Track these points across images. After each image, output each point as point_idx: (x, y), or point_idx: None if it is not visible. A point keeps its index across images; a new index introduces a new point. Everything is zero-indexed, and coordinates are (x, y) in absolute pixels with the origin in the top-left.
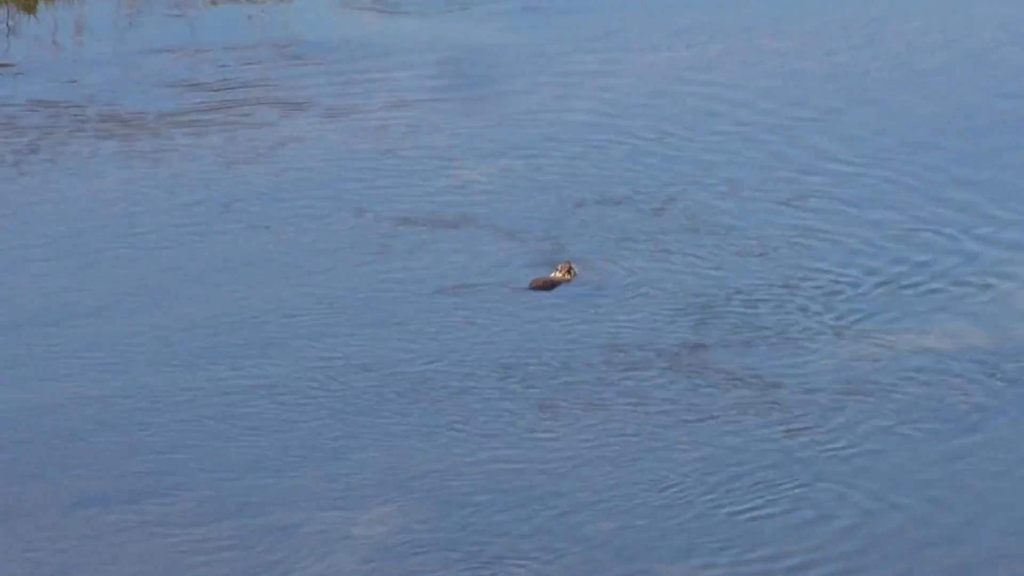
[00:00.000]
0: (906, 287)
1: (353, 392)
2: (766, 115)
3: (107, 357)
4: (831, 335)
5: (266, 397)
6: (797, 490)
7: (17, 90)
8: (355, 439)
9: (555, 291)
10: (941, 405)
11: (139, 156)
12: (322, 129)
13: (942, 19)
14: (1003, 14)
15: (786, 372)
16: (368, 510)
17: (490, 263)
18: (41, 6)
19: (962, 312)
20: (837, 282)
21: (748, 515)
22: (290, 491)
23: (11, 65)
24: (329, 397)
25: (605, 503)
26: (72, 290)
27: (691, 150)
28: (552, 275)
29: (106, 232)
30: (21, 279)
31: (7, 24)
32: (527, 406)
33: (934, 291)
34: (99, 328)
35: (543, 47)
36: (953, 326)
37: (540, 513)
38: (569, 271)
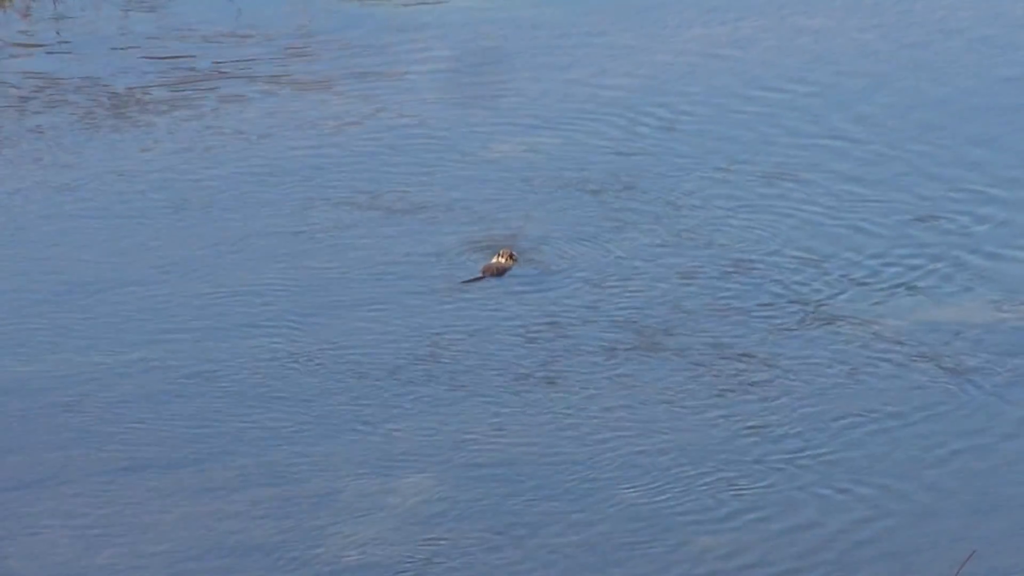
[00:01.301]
0: (910, 269)
1: (390, 362)
2: (795, 94)
3: (149, 326)
4: (822, 317)
5: (305, 366)
6: (823, 457)
7: (59, 66)
8: (392, 408)
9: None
10: (938, 389)
11: (181, 127)
12: (355, 104)
13: None
14: None
15: (803, 352)
16: (404, 478)
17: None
18: None
19: (963, 295)
20: (840, 264)
21: (778, 487)
22: (327, 459)
23: (41, 45)
24: (367, 367)
25: (640, 473)
26: (115, 260)
27: (715, 128)
28: (498, 261)
29: (149, 202)
30: (65, 249)
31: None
32: (560, 377)
33: (932, 275)
34: (141, 298)
35: (577, 23)
36: (957, 307)
37: (575, 482)
38: (511, 256)
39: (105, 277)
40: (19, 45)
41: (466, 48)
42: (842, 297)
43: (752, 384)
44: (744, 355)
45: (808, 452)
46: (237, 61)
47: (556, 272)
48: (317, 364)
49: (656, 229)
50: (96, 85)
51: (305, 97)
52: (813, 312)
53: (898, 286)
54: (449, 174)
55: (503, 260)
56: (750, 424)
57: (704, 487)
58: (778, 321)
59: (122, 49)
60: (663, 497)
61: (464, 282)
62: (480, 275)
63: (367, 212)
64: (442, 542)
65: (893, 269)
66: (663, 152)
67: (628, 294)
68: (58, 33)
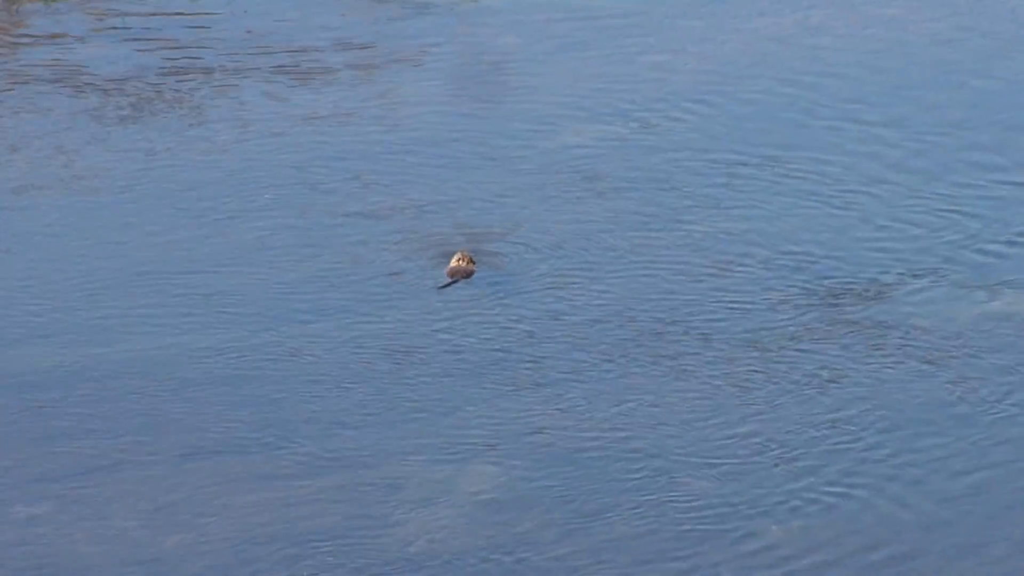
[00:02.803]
0: (954, 265)
1: (460, 349)
2: (864, 84)
3: (219, 311)
4: (931, 289)
5: (375, 353)
6: (895, 452)
7: (125, 53)
8: (461, 396)
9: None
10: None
11: (252, 112)
12: (428, 86)
13: None
14: None
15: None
16: (472, 466)
17: (598, 220)
18: None
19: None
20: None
21: (845, 479)
22: (396, 446)
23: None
24: (437, 354)
25: (707, 463)
26: (186, 245)
27: (784, 116)
28: (464, 265)
29: (222, 188)
30: (135, 233)
31: None
32: (629, 367)
33: (978, 270)
34: (211, 283)
35: (647, 11)
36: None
37: (643, 471)
38: (471, 260)
39: (177, 261)
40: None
41: (533, 36)
42: (901, 291)
43: (818, 379)
44: (805, 350)
45: (878, 446)
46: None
47: (603, 264)
48: (386, 351)
49: (707, 218)
50: (177, 71)
51: (362, 87)
52: (860, 306)
53: (953, 282)
54: (513, 165)
55: (463, 263)
56: (819, 417)
57: (773, 477)
58: (826, 316)
59: (197, 28)
60: (732, 487)
61: (439, 288)
62: (451, 279)
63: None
64: (510, 530)
65: (943, 265)
66: (725, 140)
67: (677, 287)
68: (123, 20)
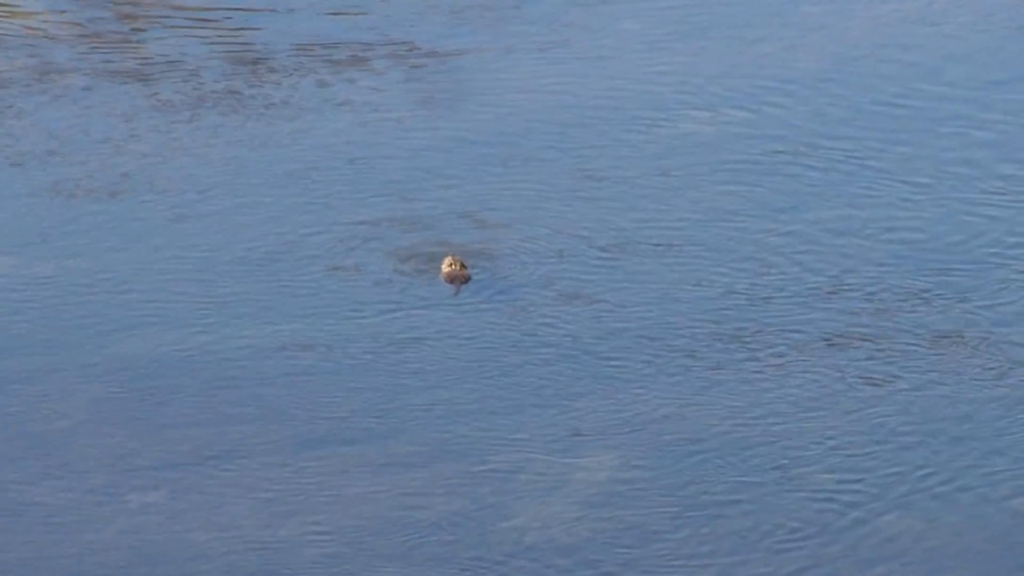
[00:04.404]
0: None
1: (576, 338)
2: (991, 70)
3: (333, 299)
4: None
5: (489, 342)
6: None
7: (278, 26)
8: (576, 385)
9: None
10: None
11: (377, 95)
12: (548, 71)
13: None
14: None
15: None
16: (588, 456)
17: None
18: None
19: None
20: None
21: (976, 470)
22: (511, 435)
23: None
24: (552, 343)
25: (824, 455)
26: (302, 230)
27: (906, 104)
28: (460, 270)
29: (333, 174)
30: (254, 217)
31: None
32: (744, 357)
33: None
34: (325, 271)
35: None
36: None
37: (761, 463)
38: (463, 265)
39: (292, 247)
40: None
41: (652, 21)
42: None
43: (938, 371)
44: (920, 344)
45: (1003, 437)
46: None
47: (723, 252)
48: (500, 339)
49: (822, 208)
50: (303, 53)
51: (482, 72)
52: (959, 303)
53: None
54: (634, 148)
55: (456, 268)
56: (942, 411)
57: (892, 470)
58: (929, 309)
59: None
60: (850, 479)
61: (455, 295)
62: (456, 287)
63: (570, 180)
64: (625, 521)
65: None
66: (845, 127)
67: (791, 279)
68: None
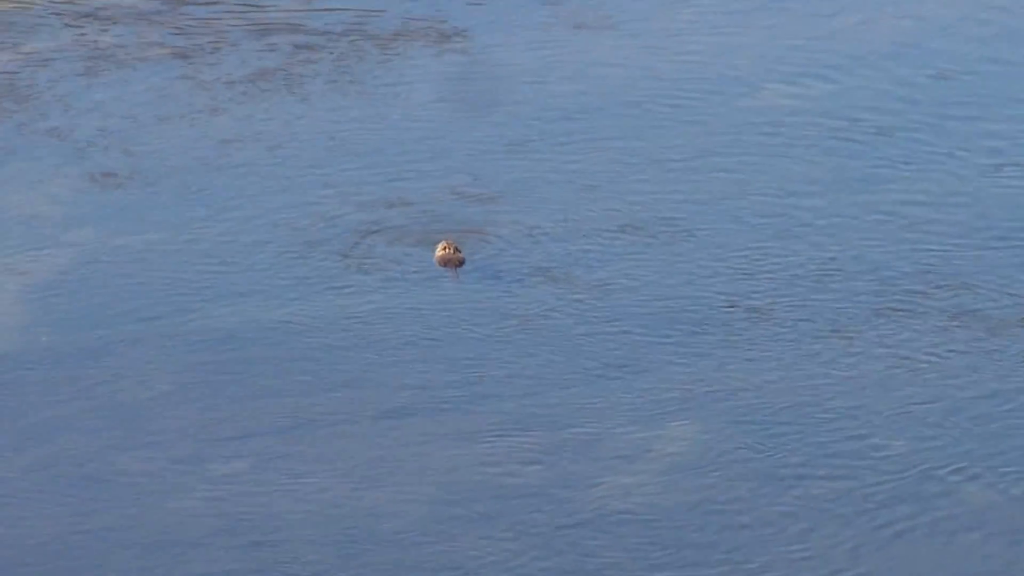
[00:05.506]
0: None
1: (654, 310)
2: None
3: (411, 272)
4: None
5: (569, 312)
6: None
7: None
8: (656, 356)
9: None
10: None
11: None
12: (624, 47)
13: None
14: None
15: None
16: (669, 426)
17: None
18: None
19: None
20: None
21: None
22: (594, 406)
23: None
24: (630, 313)
25: (903, 425)
26: (379, 208)
27: (986, 80)
28: (455, 254)
29: (418, 145)
30: (331, 191)
31: None
32: (824, 330)
33: None
34: (407, 244)
35: None
36: None
37: (840, 432)
38: (456, 249)
39: (367, 220)
40: None
41: None
42: None
43: (1017, 344)
44: (1000, 317)
45: None
46: None
47: (798, 224)
48: (583, 310)
49: (898, 181)
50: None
51: (553, 47)
52: None
53: None
54: (711, 125)
55: (449, 251)
56: (1019, 382)
57: (970, 440)
58: (999, 284)
59: None
60: (928, 448)
61: (454, 279)
62: (453, 271)
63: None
64: (706, 491)
65: None
66: (921, 102)
67: (866, 250)
68: None
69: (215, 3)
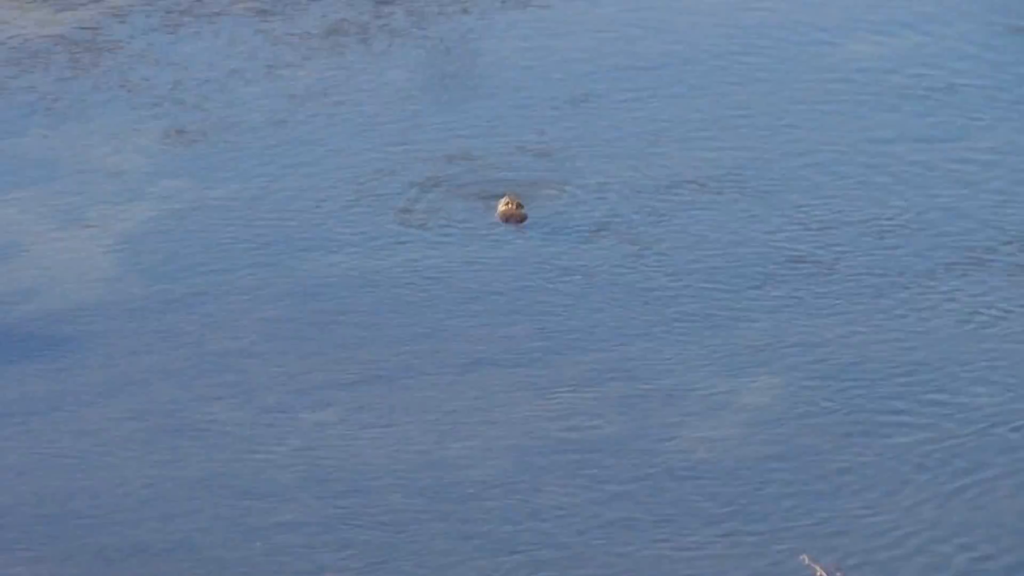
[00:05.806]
0: None
1: (739, 265)
2: None
3: (498, 227)
4: None
5: (655, 266)
6: None
7: None
8: (741, 310)
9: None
10: None
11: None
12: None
13: None
14: None
15: None
16: (752, 379)
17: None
18: None
19: None
20: None
21: None
22: (677, 358)
23: None
24: (717, 267)
25: (985, 376)
26: (466, 161)
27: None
28: (517, 210)
29: (486, 101)
30: (422, 147)
31: None
32: (911, 284)
33: None
34: (486, 200)
35: None
36: None
37: (925, 387)
38: (519, 205)
39: (449, 176)
40: None
41: None
42: None
43: None
44: None
45: None
46: None
47: (887, 177)
48: (649, 266)
49: (988, 135)
50: None
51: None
52: None
53: None
54: (798, 76)
55: (512, 207)
56: None
57: None
58: None
59: None
60: (1010, 400)
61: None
62: (519, 223)
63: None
64: (788, 442)
65: None
66: (992, 59)
67: (963, 206)
68: None
69: None
